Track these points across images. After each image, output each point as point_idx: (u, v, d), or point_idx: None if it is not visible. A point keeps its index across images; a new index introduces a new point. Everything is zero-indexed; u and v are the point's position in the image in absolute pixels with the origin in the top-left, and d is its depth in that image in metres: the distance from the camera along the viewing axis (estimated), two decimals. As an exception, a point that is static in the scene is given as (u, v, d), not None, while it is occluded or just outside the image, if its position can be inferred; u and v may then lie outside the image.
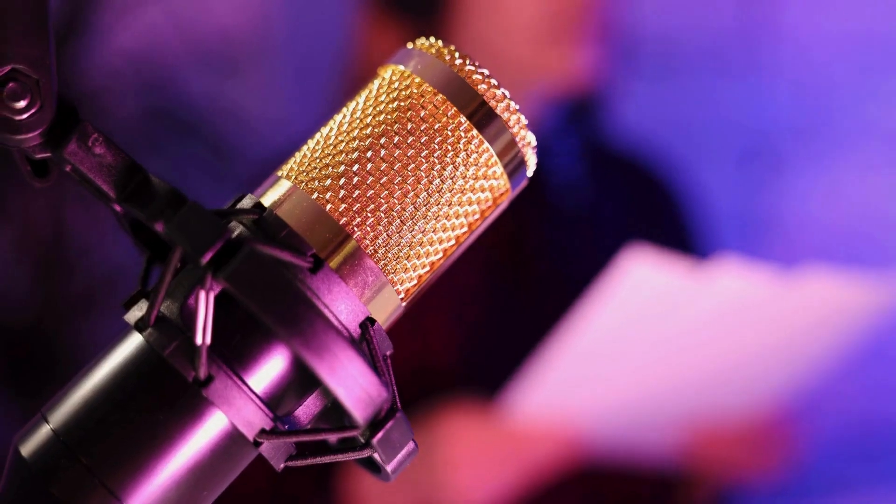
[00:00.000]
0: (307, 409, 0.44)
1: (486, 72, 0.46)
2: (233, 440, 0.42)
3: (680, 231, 1.50)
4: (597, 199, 1.44)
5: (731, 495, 1.49)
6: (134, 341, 0.43)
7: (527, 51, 1.34)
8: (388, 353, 0.44)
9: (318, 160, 0.45)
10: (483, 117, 0.45)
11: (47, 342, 1.98)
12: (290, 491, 1.24)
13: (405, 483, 1.22)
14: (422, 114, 0.45)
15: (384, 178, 0.44)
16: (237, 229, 0.43)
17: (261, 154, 1.84)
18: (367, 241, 0.44)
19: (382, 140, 0.44)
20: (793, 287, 1.18)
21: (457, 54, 0.46)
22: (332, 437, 0.44)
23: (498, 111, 0.45)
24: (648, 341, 1.20)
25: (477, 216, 0.46)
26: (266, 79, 2.11)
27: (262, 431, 0.42)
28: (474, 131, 0.45)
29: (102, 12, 1.87)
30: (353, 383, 0.40)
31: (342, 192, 0.44)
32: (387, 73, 0.46)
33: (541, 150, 0.48)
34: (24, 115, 0.42)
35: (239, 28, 2.06)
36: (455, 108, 0.45)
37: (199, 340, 0.41)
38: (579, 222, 1.43)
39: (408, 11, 1.38)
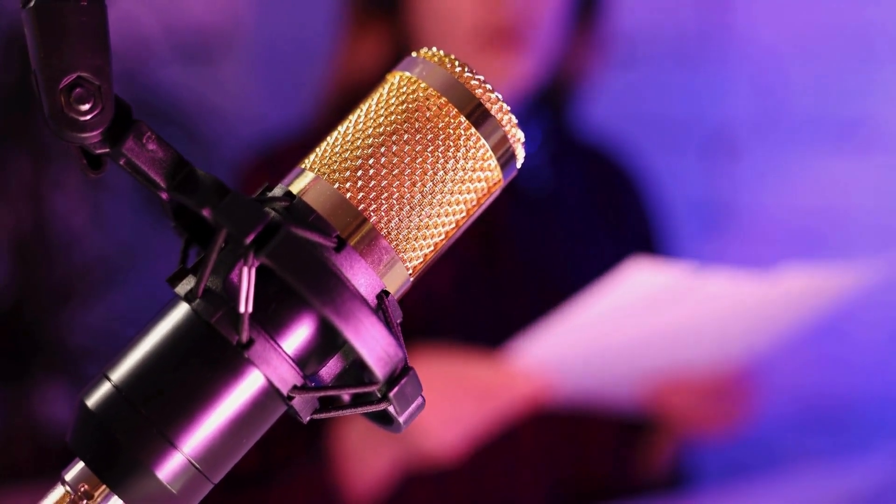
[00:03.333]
0: (329, 370, 0.51)
1: (482, 77, 0.53)
2: (268, 395, 0.49)
3: (641, 216, 1.56)
4: (560, 185, 1.50)
5: (689, 462, 1.55)
6: (182, 310, 0.49)
7: (468, 58, 1.39)
8: (398, 320, 0.51)
9: (337, 154, 0.51)
10: (479, 117, 0.51)
11: (28, 328, 2.01)
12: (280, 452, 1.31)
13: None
14: (427, 114, 0.51)
15: (396, 171, 0.51)
16: (271, 214, 0.49)
17: (233, 142, 1.89)
18: (382, 225, 0.50)
19: (394, 137, 0.51)
20: (767, 284, 1.27)
21: (456, 62, 0.53)
22: (353, 393, 0.50)
23: (492, 112, 0.52)
24: (630, 325, 1.27)
25: (474, 203, 0.52)
26: (239, 70, 2.15)
27: (294, 387, 0.49)
28: (472, 129, 0.51)
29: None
30: (375, 344, 0.47)
31: (360, 183, 0.50)
32: (395, 78, 0.53)
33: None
34: (88, 117, 0.48)
35: (215, 21, 2.10)
36: (456, 110, 0.51)
37: (242, 309, 0.47)
38: (544, 206, 1.49)
39: (376, 16, 1.45)
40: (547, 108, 1.49)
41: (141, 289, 2.02)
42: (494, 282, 1.43)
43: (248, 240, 0.47)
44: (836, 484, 1.46)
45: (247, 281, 0.47)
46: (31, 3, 0.48)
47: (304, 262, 0.47)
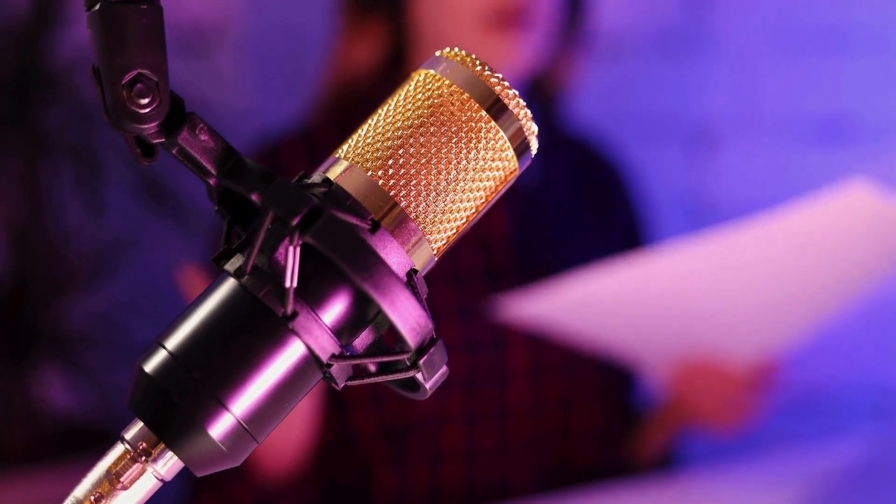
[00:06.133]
0: (361, 341, 0.56)
1: (501, 75, 0.58)
2: (309, 363, 0.53)
3: (627, 208, 1.60)
4: (549, 179, 1.53)
5: (683, 443, 1.60)
6: (231, 285, 0.53)
7: (472, 40, 1.42)
8: (425, 295, 0.56)
9: (369, 144, 0.56)
10: (498, 111, 0.56)
11: (25, 314, 2.04)
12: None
13: None
14: (451, 109, 0.56)
15: (423, 160, 0.55)
16: (313, 198, 0.54)
17: (226, 135, 1.92)
18: (411, 209, 0.55)
19: (421, 129, 0.56)
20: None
21: (477, 61, 0.57)
22: (384, 361, 0.55)
23: (510, 107, 0.57)
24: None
25: (492, 189, 0.57)
26: (231, 64, 2.18)
27: (333, 356, 0.54)
28: (492, 122, 0.56)
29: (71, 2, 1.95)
30: (409, 316, 0.52)
31: (391, 171, 0.55)
32: (420, 76, 0.58)
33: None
34: (147, 109, 0.52)
35: (208, 14, 2.14)
36: (477, 104, 0.56)
37: (288, 284, 0.52)
38: (533, 198, 1.52)
39: (373, 11, 1.47)
40: (535, 102, 1.52)
41: (137, 276, 2.06)
42: (487, 269, 1.47)
43: (295, 221, 0.51)
44: (812, 465, 1.49)
45: (292, 259, 0.52)
46: (97, 7, 0.52)
47: (345, 242, 0.52)
